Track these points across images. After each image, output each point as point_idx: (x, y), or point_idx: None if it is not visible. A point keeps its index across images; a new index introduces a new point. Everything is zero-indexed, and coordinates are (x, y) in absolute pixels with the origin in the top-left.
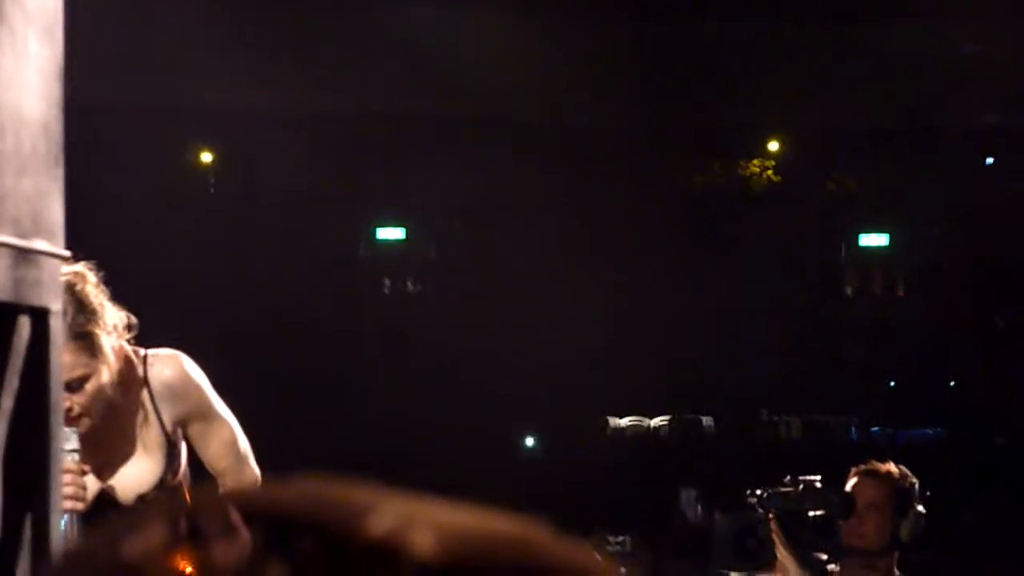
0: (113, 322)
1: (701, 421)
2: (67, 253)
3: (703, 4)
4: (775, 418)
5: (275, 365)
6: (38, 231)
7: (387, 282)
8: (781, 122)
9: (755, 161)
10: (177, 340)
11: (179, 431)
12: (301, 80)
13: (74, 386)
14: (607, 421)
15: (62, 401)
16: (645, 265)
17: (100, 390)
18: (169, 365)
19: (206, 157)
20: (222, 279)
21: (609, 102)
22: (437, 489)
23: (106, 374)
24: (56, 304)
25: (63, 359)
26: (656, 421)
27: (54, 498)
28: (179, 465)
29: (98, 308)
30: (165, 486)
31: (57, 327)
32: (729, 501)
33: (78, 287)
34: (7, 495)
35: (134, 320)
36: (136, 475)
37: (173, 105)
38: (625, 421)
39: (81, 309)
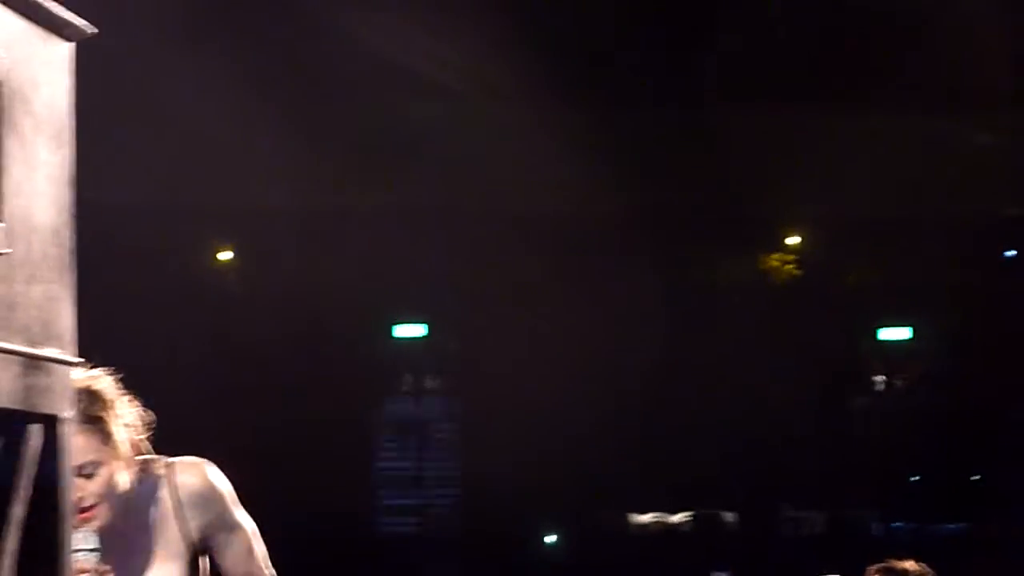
0: (128, 418)
1: (724, 516)
2: (78, 360)
3: (717, 95)
4: (798, 513)
5: (293, 466)
6: (48, 338)
7: (408, 379)
8: (800, 215)
9: (775, 255)
10: (191, 439)
11: (203, 538)
12: (317, 176)
13: (85, 472)
14: (629, 517)
15: (73, 507)
16: (667, 360)
17: (113, 479)
18: (196, 473)
19: (224, 256)
20: (240, 378)
21: (630, 194)
22: None
23: (119, 463)
24: (67, 412)
25: (84, 449)
26: (678, 517)
27: None
28: (200, 572)
29: (111, 400)
30: None
31: (68, 434)
32: None
33: (90, 382)
34: None
35: (151, 417)
36: None
37: (189, 204)
38: (647, 517)
39: (93, 399)
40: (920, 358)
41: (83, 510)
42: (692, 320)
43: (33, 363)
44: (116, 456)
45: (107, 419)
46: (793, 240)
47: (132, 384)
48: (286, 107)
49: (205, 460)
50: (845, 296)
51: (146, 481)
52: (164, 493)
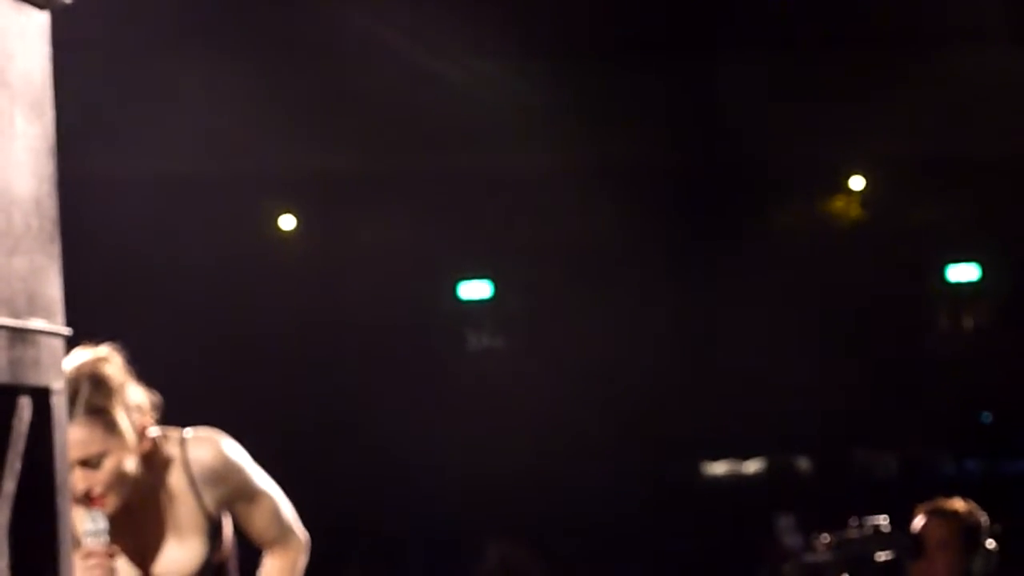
0: (136, 401)
1: (797, 461)
2: (67, 330)
3: (773, 38)
4: (870, 456)
5: (358, 427)
6: (34, 310)
7: (471, 338)
8: (863, 156)
9: (838, 198)
10: (258, 404)
11: (223, 510)
12: (371, 140)
13: (92, 463)
14: (702, 466)
15: (69, 481)
16: (733, 309)
17: (120, 468)
18: (208, 447)
19: (286, 223)
20: (303, 342)
21: (686, 146)
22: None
23: (125, 452)
24: (58, 383)
25: (77, 435)
26: (751, 463)
27: None
28: (222, 542)
29: (116, 386)
30: (210, 567)
31: (60, 406)
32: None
33: (96, 367)
34: None
35: (158, 399)
36: (179, 559)
37: (249, 172)
38: (720, 465)
39: (97, 386)
40: (991, 296)
41: (92, 499)
42: (757, 267)
43: (19, 335)
44: (122, 445)
45: (112, 408)
46: (856, 182)
47: (201, 356)
48: (330, 74)
49: (219, 432)
50: (911, 236)
51: (158, 461)
52: (177, 471)
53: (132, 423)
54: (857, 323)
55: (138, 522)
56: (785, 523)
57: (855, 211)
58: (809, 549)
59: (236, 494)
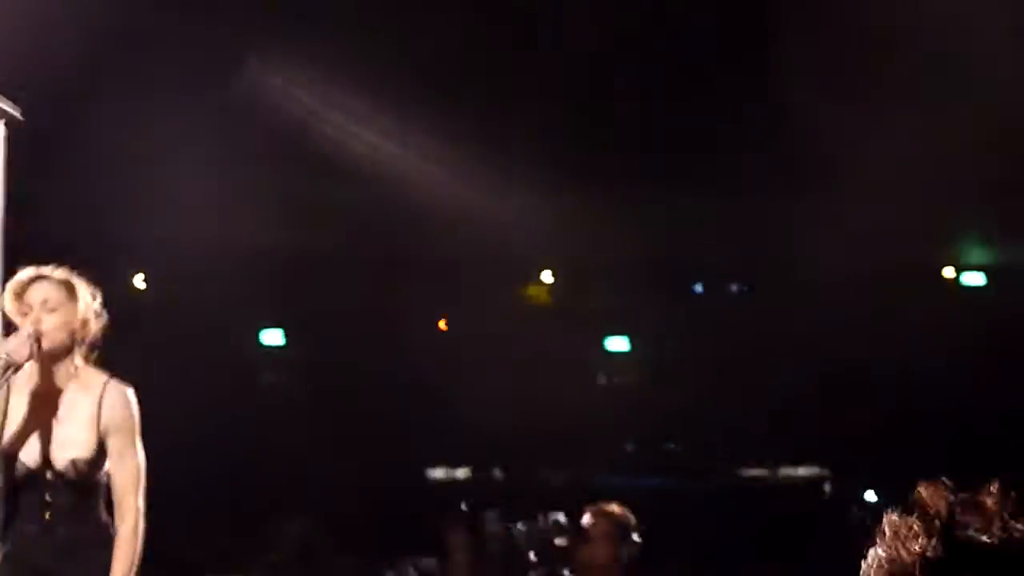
0: (90, 291)
1: (495, 473)
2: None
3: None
4: (550, 470)
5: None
6: None
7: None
8: (553, 259)
9: (531, 287)
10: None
11: (106, 438)
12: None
13: (48, 307)
14: (425, 472)
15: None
16: (462, 360)
17: (67, 323)
18: (120, 391)
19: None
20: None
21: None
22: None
23: (73, 319)
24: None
25: (50, 283)
26: (462, 472)
27: None
28: (103, 460)
29: (88, 288)
30: (96, 466)
31: None
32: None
33: (73, 270)
34: None
35: (100, 297)
36: (70, 442)
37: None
38: (439, 472)
39: (69, 272)
40: (636, 363)
41: (39, 336)
42: (476, 332)
43: None
44: (73, 314)
45: (75, 283)
46: (547, 275)
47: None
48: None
49: (130, 389)
50: (583, 317)
51: (87, 375)
52: (94, 392)
53: (88, 318)
54: (542, 378)
55: (52, 405)
56: (490, 516)
57: (545, 296)
58: (507, 535)
59: (117, 428)
